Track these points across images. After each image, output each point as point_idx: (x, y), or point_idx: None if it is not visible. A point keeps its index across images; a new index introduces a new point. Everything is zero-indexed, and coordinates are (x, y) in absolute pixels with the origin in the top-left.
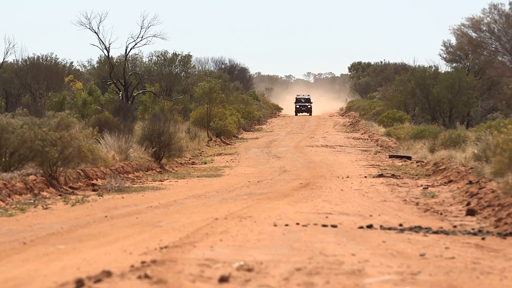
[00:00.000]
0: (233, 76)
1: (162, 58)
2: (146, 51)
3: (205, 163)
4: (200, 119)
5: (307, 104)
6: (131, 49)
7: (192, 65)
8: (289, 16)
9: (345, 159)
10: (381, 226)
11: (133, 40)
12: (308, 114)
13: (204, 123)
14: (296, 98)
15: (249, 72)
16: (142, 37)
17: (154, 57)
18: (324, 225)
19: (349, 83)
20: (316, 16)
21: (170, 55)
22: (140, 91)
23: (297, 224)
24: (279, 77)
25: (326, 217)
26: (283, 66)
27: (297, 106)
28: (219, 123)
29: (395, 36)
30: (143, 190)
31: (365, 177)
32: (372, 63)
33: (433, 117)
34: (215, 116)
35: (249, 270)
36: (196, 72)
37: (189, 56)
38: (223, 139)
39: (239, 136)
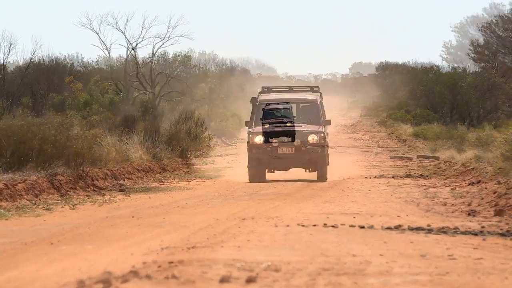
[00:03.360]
0: (234, 76)
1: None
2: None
3: (206, 164)
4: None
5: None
6: (158, 49)
7: (193, 65)
8: (316, 16)
9: (346, 160)
10: (409, 227)
11: (160, 40)
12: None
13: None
14: (254, 98)
15: (276, 72)
16: (169, 37)
17: (179, 58)
18: (352, 226)
19: (376, 83)
20: (343, 16)
21: (196, 54)
22: (168, 91)
23: (325, 225)
24: (306, 77)
25: (354, 217)
26: (310, 66)
27: (264, 131)
28: (220, 123)
29: (422, 35)
30: (170, 190)
31: (366, 177)
32: (400, 63)
33: (461, 117)
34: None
35: (276, 270)
36: (198, 72)
37: (189, 57)
38: (223, 139)
39: (240, 137)
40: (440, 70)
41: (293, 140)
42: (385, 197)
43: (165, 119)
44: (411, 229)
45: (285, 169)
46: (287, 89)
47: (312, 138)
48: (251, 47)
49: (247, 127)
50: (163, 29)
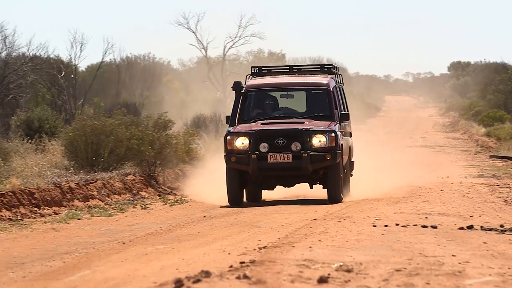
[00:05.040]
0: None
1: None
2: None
3: None
4: None
5: (286, 121)
6: (229, 48)
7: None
8: (386, 14)
9: (445, 159)
10: (481, 227)
11: (231, 39)
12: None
13: None
14: (238, 83)
15: (347, 72)
16: (240, 37)
17: (250, 57)
18: (424, 226)
19: (448, 83)
20: (413, 14)
21: (266, 54)
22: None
23: (397, 224)
24: (378, 76)
25: (426, 217)
26: (381, 65)
27: (250, 131)
28: None
29: (496, 35)
30: None
31: (465, 177)
32: (472, 62)
33: None
34: None
35: (348, 271)
36: None
37: (283, 55)
38: None
39: None
40: None
41: (290, 143)
42: (484, 197)
43: None
44: (483, 229)
45: (285, 185)
46: (288, 69)
47: (319, 140)
48: (322, 46)
49: (228, 125)
50: (234, 29)
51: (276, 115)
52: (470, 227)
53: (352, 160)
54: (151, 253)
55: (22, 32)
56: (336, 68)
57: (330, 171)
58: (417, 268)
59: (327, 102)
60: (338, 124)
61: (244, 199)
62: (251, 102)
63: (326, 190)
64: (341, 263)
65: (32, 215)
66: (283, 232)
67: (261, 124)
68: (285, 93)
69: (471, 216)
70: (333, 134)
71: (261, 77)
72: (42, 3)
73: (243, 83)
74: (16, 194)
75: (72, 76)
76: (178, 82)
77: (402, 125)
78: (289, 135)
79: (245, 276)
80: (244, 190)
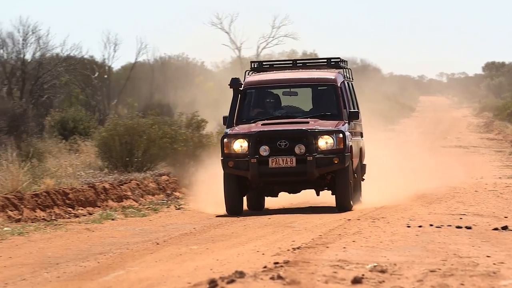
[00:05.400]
0: (365, 76)
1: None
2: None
3: None
4: None
5: (289, 121)
6: (262, 49)
7: None
8: (420, 14)
9: (479, 160)
10: None
11: (265, 40)
12: None
13: None
14: (236, 80)
15: (381, 72)
16: (273, 37)
17: (283, 57)
18: (458, 227)
19: (482, 83)
20: (448, 15)
21: (299, 55)
22: None
23: (431, 225)
24: (411, 77)
25: (460, 218)
26: (415, 65)
27: (249, 132)
28: None
29: None
30: None
31: (500, 178)
32: (507, 62)
33: None
34: None
35: (383, 271)
36: None
37: (316, 56)
38: None
39: None
40: None
41: (293, 146)
42: None
43: None
44: None
45: (289, 191)
46: (291, 64)
47: (326, 142)
48: (355, 46)
49: (225, 127)
50: (267, 29)
51: (278, 115)
52: (505, 228)
53: (363, 163)
54: (185, 254)
55: (56, 33)
56: (345, 62)
57: (338, 176)
58: (451, 269)
59: (334, 100)
60: (346, 124)
61: (245, 207)
62: (251, 100)
63: (334, 196)
64: (375, 264)
65: (66, 215)
66: (317, 233)
67: (262, 124)
68: (288, 90)
69: (505, 217)
70: (341, 135)
71: (261, 72)
72: (76, 4)
73: (241, 79)
74: (50, 194)
75: (106, 76)
76: (212, 82)
77: (436, 125)
78: (292, 137)
79: (279, 277)
80: (245, 197)
